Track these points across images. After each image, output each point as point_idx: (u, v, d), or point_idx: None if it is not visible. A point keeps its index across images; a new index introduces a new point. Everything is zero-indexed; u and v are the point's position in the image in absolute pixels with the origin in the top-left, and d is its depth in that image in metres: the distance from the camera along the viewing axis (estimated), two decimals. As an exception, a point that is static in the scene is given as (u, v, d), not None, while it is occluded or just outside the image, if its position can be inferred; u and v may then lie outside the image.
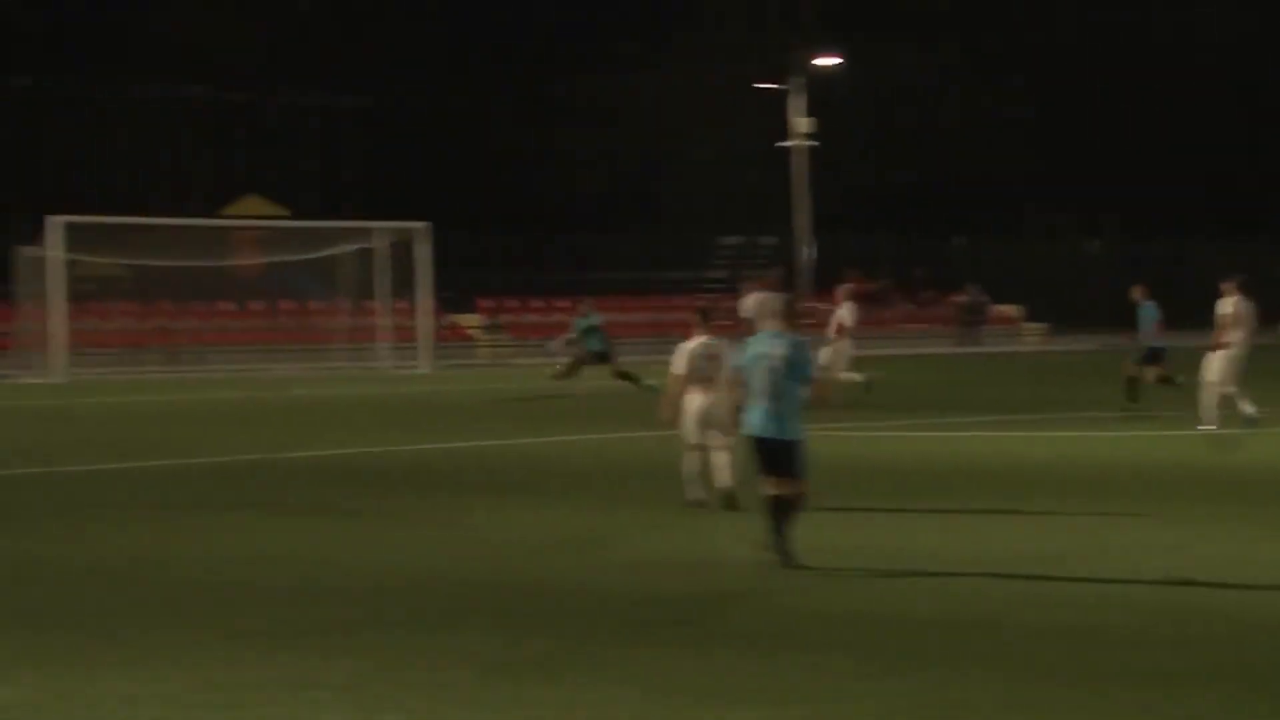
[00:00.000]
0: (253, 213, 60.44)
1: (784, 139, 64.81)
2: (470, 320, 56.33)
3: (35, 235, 44.16)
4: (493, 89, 64.78)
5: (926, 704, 9.49)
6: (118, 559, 14.45)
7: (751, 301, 30.51)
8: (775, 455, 13.56)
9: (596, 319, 36.53)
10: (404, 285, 49.07)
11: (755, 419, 13.65)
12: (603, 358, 35.86)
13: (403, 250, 48.53)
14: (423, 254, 47.76)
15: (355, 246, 49.40)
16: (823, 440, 23.44)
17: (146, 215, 48.19)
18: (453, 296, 57.28)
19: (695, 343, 17.23)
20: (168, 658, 10.55)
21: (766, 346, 13.76)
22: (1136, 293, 30.23)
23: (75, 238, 43.93)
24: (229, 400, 35.09)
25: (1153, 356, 29.87)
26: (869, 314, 62.11)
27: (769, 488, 13.62)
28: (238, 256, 52.98)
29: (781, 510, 13.55)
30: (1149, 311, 30.02)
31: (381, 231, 48.38)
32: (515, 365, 51.46)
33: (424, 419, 29.87)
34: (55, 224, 42.60)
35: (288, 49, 74.37)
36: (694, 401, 17.14)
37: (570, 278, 62.07)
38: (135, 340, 49.47)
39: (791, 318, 14.06)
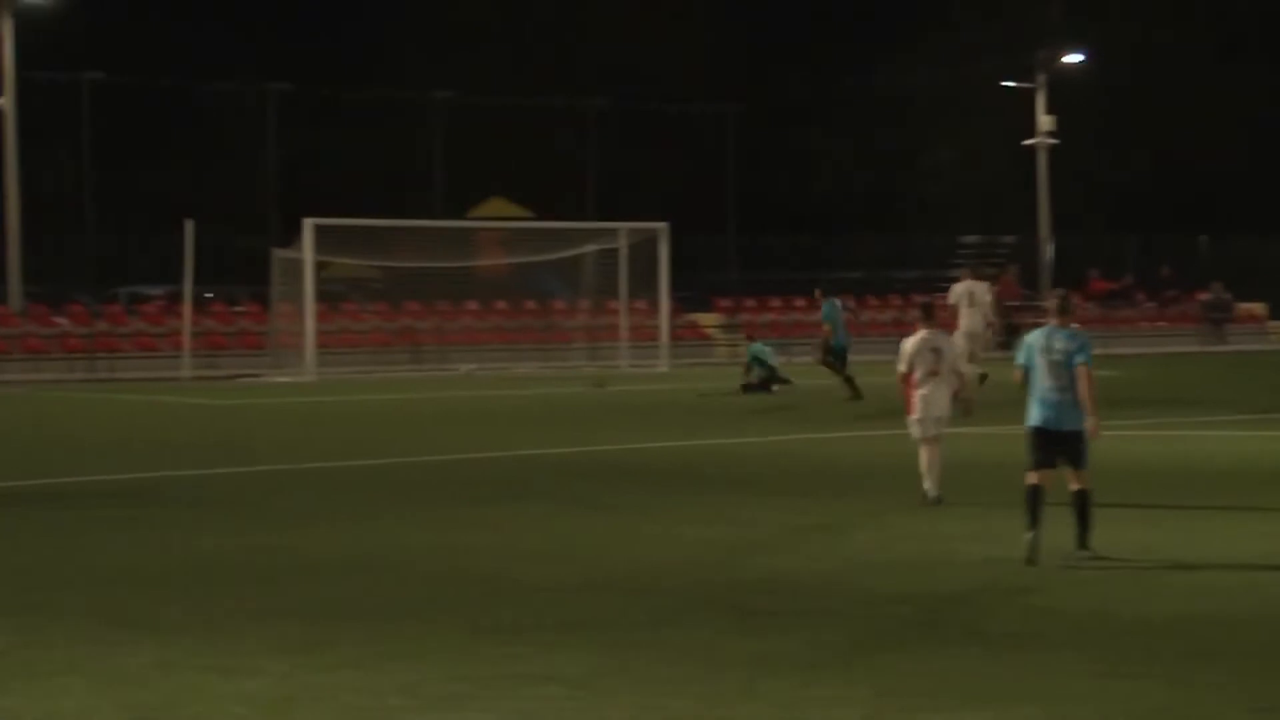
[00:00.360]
0: (497, 214, 61.19)
1: (1024, 137, 64.12)
2: (708, 319, 56.49)
3: (289, 238, 45.21)
4: (733, 90, 64.91)
5: (1163, 706, 9.42)
6: (364, 553, 14.79)
7: (961, 289, 30.57)
8: (1064, 446, 13.98)
9: (764, 350, 36.74)
10: (643, 285, 49.39)
11: (1041, 411, 14.07)
12: (769, 382, 36.00)
13: (643, 250, 48.84)
14: (663, 253, 48.06)
15: (597, 246, 49.83)
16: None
17: (394, 217, 49.06)
18: (691, 296, 57.49)
19: (917, 337, 17.56)
20: (409, 650, 10.82)
21: (1049, 340, 14.14)
22: None
23: (326, 240, 44.88)
24: (472, 399, 35.63)
25: None
26: (1112, 312, 61.47)
27: (1040, 480, 14.03)
28: (483, 257, 53.72)
29: (1080, 504, 13.93)
30: None
31: (623, 232, 48.75)
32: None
33: (663, 417, 30.06)
34: (308, 226, 43.56)
35: (532, 52, 75.24)
36: (920, 396, 17.48)
37: (809, 277, 61.94)
38: (382, 340, 50.41)
39: (1068, 312, 14.39)
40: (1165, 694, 9.65)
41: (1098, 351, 15.53)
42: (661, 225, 48.03)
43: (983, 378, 29.82)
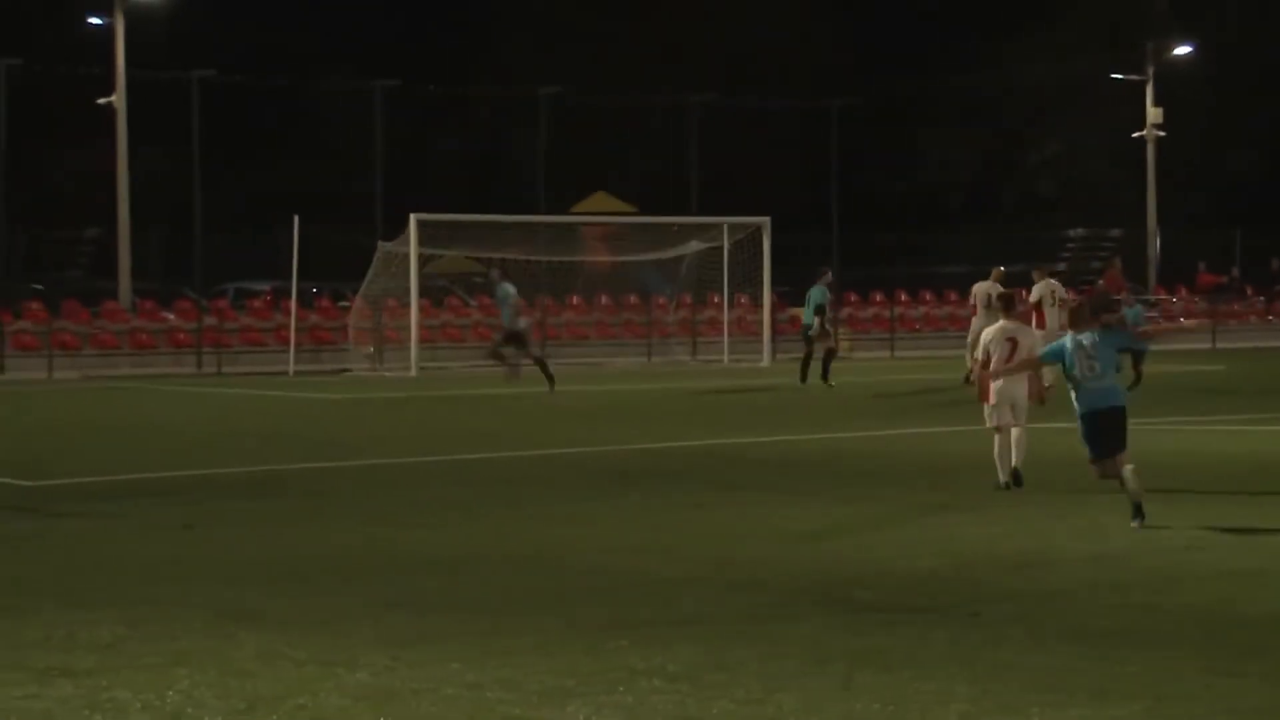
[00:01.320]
0: (601, 209, 61.29)
1: (1131, 130, 63.59)
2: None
3: (395, 232, 45.46)
4: (837, 85, 64.77)
5: (1267, 705, 9.33)
6: (468, 547, 14.88)
7: (1043, 287, 31.09)
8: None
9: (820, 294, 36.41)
10: (745, 279, 49.33)
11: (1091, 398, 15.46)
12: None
13: (745, 244, 48.78)
14: (765, 248, 47.98)
15: (700, 242, 49.80)
16: (1164, 434, 23.01)
17: (498, 213, 49.25)
18: (793, 290, 57.33)
19: (996, 327, 18.25)
20: (510, 645, 10.87)
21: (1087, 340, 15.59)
22: None
23: (431, 234, 45.10)
24: (574, 394, 35.72)
25: None
26: (1219, 306, 60.79)
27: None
28: (586, 252, 53.83)
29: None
30: None
31: (726, 227, 48.70)
32: (853, 359, 51.35)
33: (763, 412, 30.03)
34: (413, 220, 43.79)
35: (636, 48, 75.31)
36: (995, 385, 18.01)
37: (910, 272, 61.75)
38: (485, 335, 50.57)
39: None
40: (1269, 692, 9.57)
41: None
42: (764, 220, 47.96)
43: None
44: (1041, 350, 17.31)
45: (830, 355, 36.31)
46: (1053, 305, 31.15)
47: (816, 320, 36.19)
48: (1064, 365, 15.72)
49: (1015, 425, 18.10)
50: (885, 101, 76.04)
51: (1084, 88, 71.48)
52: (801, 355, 36.56)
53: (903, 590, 12.67)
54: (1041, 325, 30.16)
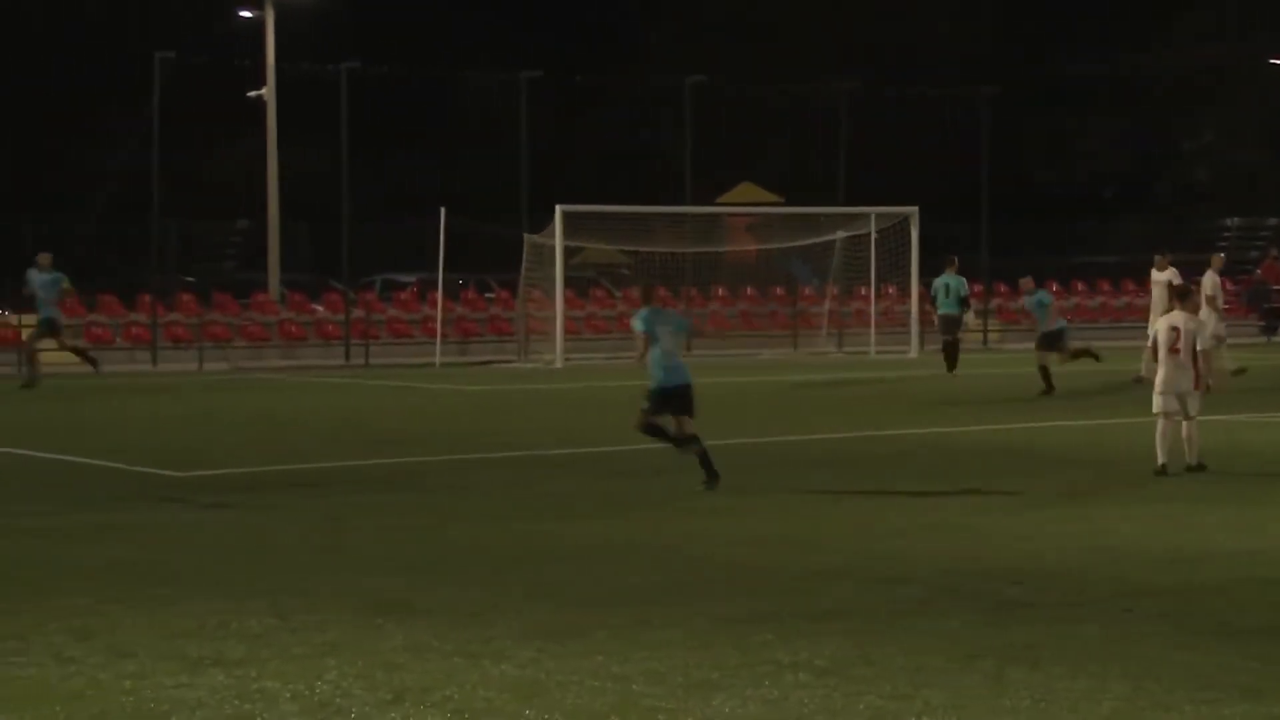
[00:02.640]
0: (747, 199, 61.16)
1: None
2: (961, 305, 55.84)
3: (541, 223, 45.62)
4: (988, 72, 64.21)
5: None
6: (613, 539, 14.88)
7: (1209, 281, 31.65)
8: None
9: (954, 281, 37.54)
10: (893, 269, 49.05)
11: None
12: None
13: (893, 234, 48.50)
14: (914, 238, 47.70)
15: (846, 232, 49.58)
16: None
17: (644, 203, 49.28)
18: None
19: (1168, 318, 18.67)
20: (655, 638, 10.85)
21: None
22: None
23: (577, 226, 45.22)
24: (718, 385, 35.68)
25: None
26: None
27: None
28: (732, 243, 53.75)
29: None
30: None
31: (873, 216, 48.44)
32: (1005, 350, 50.95)
33: (911, 404, 29.83)
34: (559, 212, 43.93)
35: (783, 36, 75.13)
36: (1162, 373, 18.56)
37: (1061, 262, 61.07)
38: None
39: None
40: None
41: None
42: (912, 209, 47.66)
43: (1239, 371, 29.63)
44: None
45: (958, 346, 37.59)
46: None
47: (969, 312, 38.25)
48: None
49: (1184, 417, 18.50)
50: (1037, 88, 75.30)
51: (1240, 73, 70.39)
52: (946, 345, 37.37)
53: (1052, 585, 12.51)
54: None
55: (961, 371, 35.40)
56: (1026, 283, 33.39)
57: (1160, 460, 18.39)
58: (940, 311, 37.74)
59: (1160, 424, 18.62)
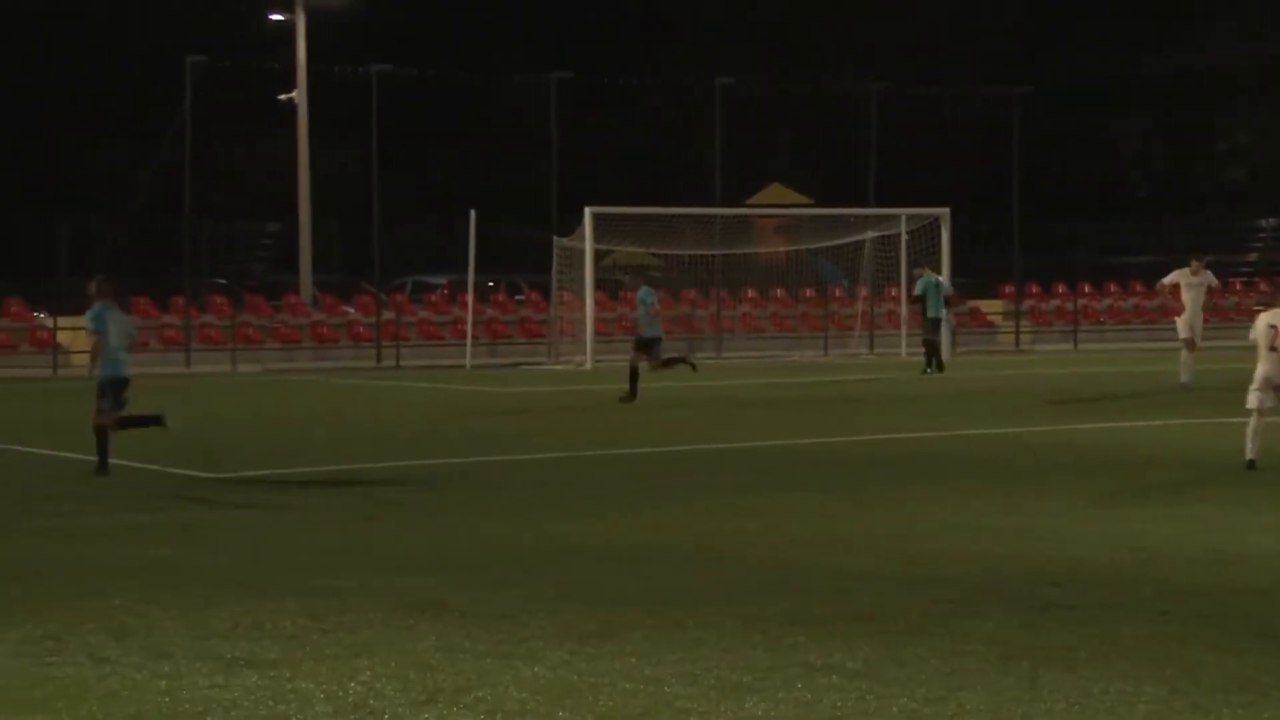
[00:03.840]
0: (776, 201, 61.09)
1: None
2: (993, 306, 55.80)
3: (571, 226, 45.63)
4: (1019, 72, 64.08)
5: None
6: (646, 541, 14.87)
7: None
8: None
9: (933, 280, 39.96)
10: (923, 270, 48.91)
11: None
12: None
13: (923, 235, 48.41)
14: (944, 239, 47.61)
15: (876, 232, 49.50)
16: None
17: (673, 205, 49.26)
18: (974, 282, 56.81)
19: (1269, 315, 18.95)
20: (688, 639, 10.83)
21: None
22: None
23: (607, 228, 45.22)
24: (750, 386, 35.67)
25: None
26: None
27: None
28: (761, 244, 53.70)
29: None
30: None
31: (903, 217, 48.36)
32: (1037, 352, 50.84)
33: (942, 406, 29.77)
34: (588, 214, 43.94)
35: (812, 36, 75.04)
36: (1261, 370, 18.84)
37: (1096, 263, 60.89)
38: (662, 327, 50.62)
39: None
40: None
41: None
42: (943, 210, 47.56)
43: None
44: None
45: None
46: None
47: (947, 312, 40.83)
48: None
49: (1276, 413, 18.83)
50: (1069, 88, 75.09)
51: (1276, 72, 70.13)
52: (932, 344, 39.37)
53: (1089, 587, 12.46)
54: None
55: (984, 373, 35.39)
56: (633, 281, 33.15)
57: (1250, 455, 18.69)
58: (931, 315, 39.72)
59: (1254, 420, 18.78)
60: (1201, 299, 31.83)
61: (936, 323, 39.93)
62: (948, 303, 40.90)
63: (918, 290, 40.42)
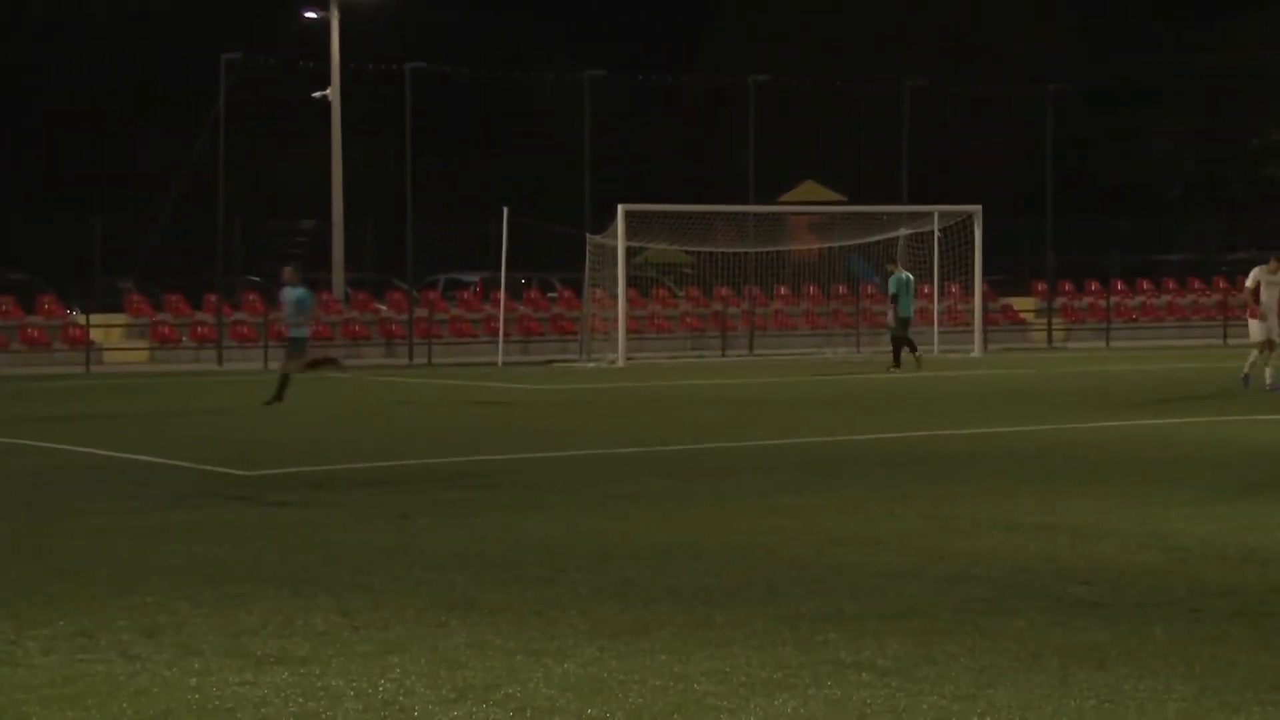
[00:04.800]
0: (810, 198, 61.09)
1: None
2: (1025, 303, 55.72)
3: (603, 224, 45.67)
4: (1052, 70, 63.96)
5: None
6: (678, 538, 14.85)
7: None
8: None
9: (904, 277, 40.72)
10: (957, 268, 48.88)
11: None
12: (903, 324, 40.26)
13: (956, 233, 48.33)
14: (977, 236, 47.53)
15: (909, 230, 49.45)
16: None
17: (707, 202, 49.27)
18: (1007, 279, 56.72)
19: None
20: (719, 636, 10.82)
21: None
22: None
23: (639, 225, 45.23)
24: (783, 384, 35.65)
25: None
26: None
27: None
28: (794, 242, 53.68)
29: None
30: None
31: (936, 214, 48.29)
32: (1069, 349, 50.73)
33: (976, 403, 29.73)
34: (620, 212, 43.97)
35: (845, 34, 74.96)
36: None
37: (1127, 260, 60.74)
38: (694, 325, 50.70)
39: None
40: None
41: None
42: (975, 208, 47.49)
43: None
44: None
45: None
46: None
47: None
48: None
49: None
50: (1104, 85, 74.89)
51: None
52: (904, 340, 40.22)
53: (1120, 585, 12.43)
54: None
55: (1018, 370, 35.32)
56: (289, 274, 31.51)
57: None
58: (903, 314, 40.31)
59: None
60: (1278, 297, 31.24)
61: (906, 321, 40.48)
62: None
63: (891, 288, 40.78)
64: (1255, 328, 30.80)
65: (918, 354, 40.04)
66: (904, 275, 41.14)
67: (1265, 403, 27.42)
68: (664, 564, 13.52)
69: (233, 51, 46.56)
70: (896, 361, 39.84)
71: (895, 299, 40.49)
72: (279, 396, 29.80)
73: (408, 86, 48.33)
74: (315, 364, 32.01)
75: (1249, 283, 31.39)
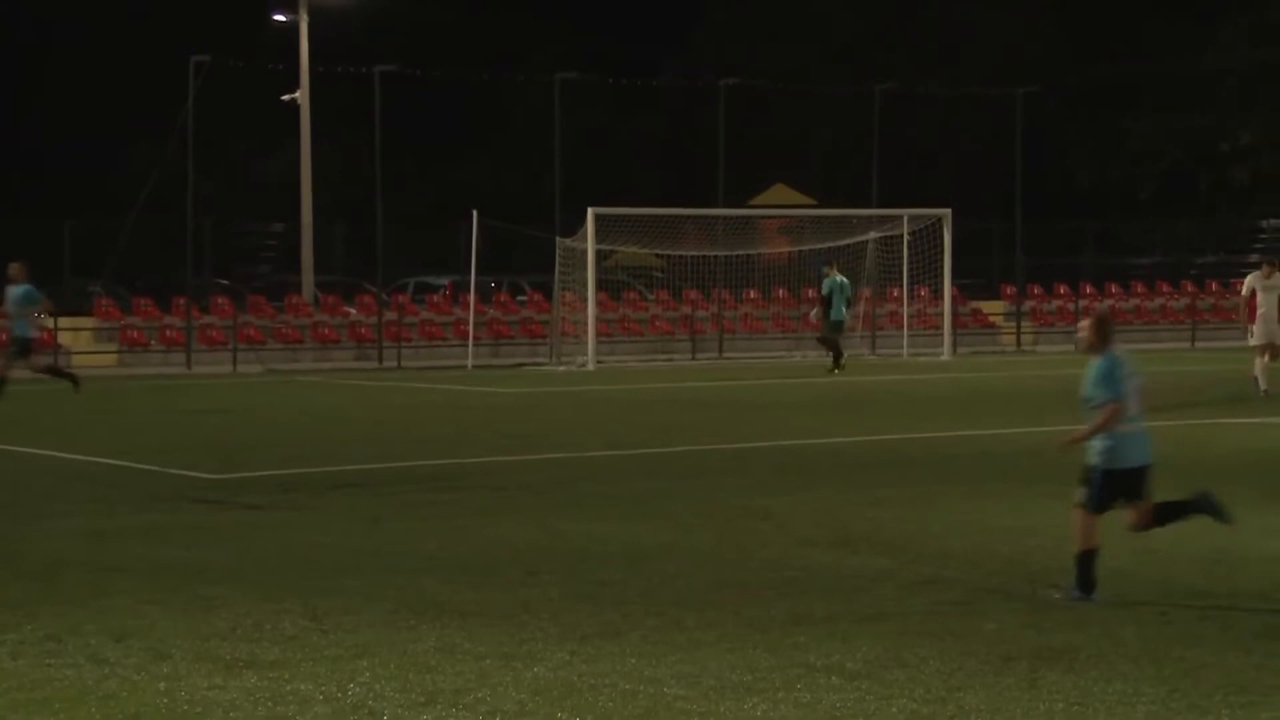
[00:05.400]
0: (780, 201, 61.07)
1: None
2: (994, 307, 55.80)
3: (576, 225, 45.59)
4: (1023, 72, 64.12)
5: None
6: (648, 542, 14.85)
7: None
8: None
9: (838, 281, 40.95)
10: (926, 271, 48.93)
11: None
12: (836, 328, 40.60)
13: (925, 236, 48.38)
14: (946, 239, 47.60)
15: (878, 233, 49.48)
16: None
17: (677, 206, 49.24)
18: (976, 283, 56.79)
19: None
20: (688, 640, 10.83)
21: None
22: None
23: (609, 228, 45.19)
24: (754, 387, 35.66)
25: None
26: None
27: None
28: (764, 244, 53.67)
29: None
30: None
31: (906, 218, 48.32)
32: (1038, 353, 50.85)
33: (946, 406, 29.78)
34: (590, 215, 43.92)
35: (816, 37, 75.02)
36: None
37: (1097, 263, 60.88)
38: (664, 329, 50.68)
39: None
40: None
41: None
42: (944, 211, 47.55)
43: None
44: None
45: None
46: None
47: (848, 313, 41.96)
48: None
49: None
50: (1075, 88, 75.05)
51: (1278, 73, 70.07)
52: (832, 346, 40.58)
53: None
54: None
55: (987, 374, 35.40)
56: (15, 271, 30.16)
57: None
58: (835, 318, 40.62)
59: None
60: (1276, 302, 31.10)
61: (839, 325, 40.87)
62: (848, 304, 41.62)
63: (824, 290, 40.97)
64: (1257, 332, 30.59)
65: (841, 362, 40.11)
66: (838, 279, 41.20)
67: (1241, 406, 27.50)
68: (636, 567, 13.51)
69: (202, 54, 46.42)
70: (836, 363, 40.00)
71: (827, 301, 40.65)
72: None
73: (377, 89, 48.25)
74: (55, 371, 31.63)
75: (1244, 290, 31.38)
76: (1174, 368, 32.85)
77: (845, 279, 41.62)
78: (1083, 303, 55.61)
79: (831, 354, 40.49)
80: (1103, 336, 12.23)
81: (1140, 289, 57.88)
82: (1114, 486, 12.09)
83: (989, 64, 70.14)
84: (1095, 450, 12.14)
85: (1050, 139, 72.10)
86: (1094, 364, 12.23)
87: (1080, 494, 12.21)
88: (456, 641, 10.79)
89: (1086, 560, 12.03)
